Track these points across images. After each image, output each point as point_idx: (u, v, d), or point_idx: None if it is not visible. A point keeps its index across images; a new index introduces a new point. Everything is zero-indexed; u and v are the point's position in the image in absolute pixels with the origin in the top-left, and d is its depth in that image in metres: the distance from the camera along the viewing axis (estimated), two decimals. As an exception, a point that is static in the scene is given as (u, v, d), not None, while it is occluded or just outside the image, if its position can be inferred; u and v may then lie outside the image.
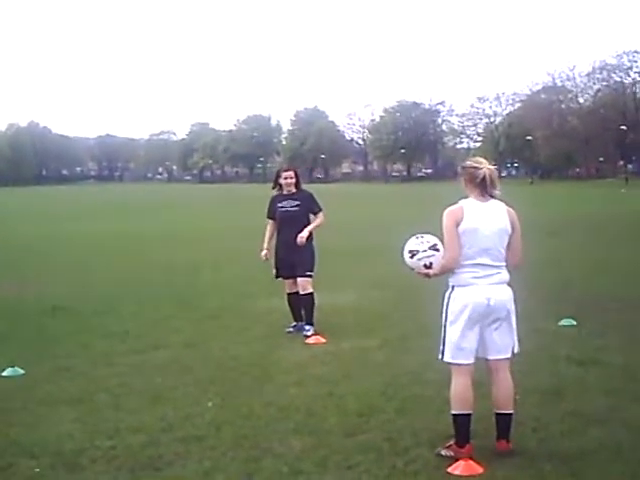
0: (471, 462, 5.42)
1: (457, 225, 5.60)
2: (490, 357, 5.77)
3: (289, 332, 10.33)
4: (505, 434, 5.73)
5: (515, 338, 5.81)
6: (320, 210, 10.45)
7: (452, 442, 5.68)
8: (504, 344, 5.74)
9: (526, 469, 5.38)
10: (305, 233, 10.14)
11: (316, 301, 10.38)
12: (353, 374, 8.17)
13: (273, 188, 10.61)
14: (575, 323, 10.25)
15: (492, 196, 5.73)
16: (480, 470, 5.36)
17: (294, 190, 10.38)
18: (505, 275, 5.73)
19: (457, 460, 5.47)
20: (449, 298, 5.73)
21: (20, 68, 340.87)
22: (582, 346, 8.99)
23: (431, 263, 5.74)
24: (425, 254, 5.74)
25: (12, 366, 8.70)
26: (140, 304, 13.08)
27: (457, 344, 5.64)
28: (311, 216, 10.41)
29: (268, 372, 8.36)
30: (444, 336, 5.71)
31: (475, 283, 5.61)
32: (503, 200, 5.80)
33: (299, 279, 10.23)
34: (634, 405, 6.74)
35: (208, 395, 7.49)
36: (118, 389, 7.86)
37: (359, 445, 5.98)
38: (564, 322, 10.29)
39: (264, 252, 10.50)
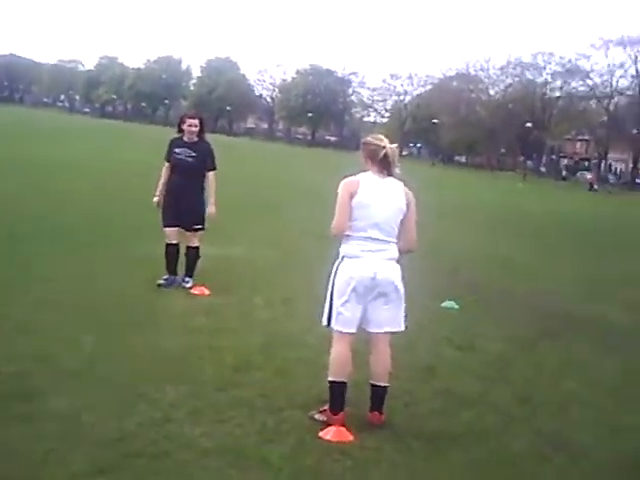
0: (342, 429, 5.50)
1: (351, 197, 5.64)
2: (371, 330, 5.84)
3: (160, 285, 9.88)
4: (378, 406, 5.82)
5: (402, 315, 5.89)
6: (214, 168, 10.08)
7: (326, 407, 5.74)
8: (387, 319, 5.81)
9: (395, 443, 5.47)
10: (212, 208, 9.98)
11: (200, 255, 10.17)
12: (234, 329, 8.18)
13: (177, 132, 10.14)
14: (457, 307, 10.44)
15: (391, 175, 5.78)
16: (350, 438, 5.44)
17: (195, 139, 9.99)
18: (394, 252, 5.79)
19: (329, 425, 5.55)
20: (337, 268, 5.78)
21: None
22: (461, 330, 9.18)
23: None
24: None
25: None
26: (28, 240, 12.62)
27: (340, 313, 5.70)
28: (206, 172, 10.03)
29: (149, 317, 8.29)
30: (330, 304, 5.76)
31: (363, 256, 5.67)
32: (402, 180, 5.85)
33: (189, 233, 9.99)
34: (504, 392, 6.93)
35: (87, 331, 7.38)
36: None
37: (233, 399, 6.00)
38: (446, 304, 10.48)
39: (156, 198, 10.06)
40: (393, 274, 5.76)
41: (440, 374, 7.28)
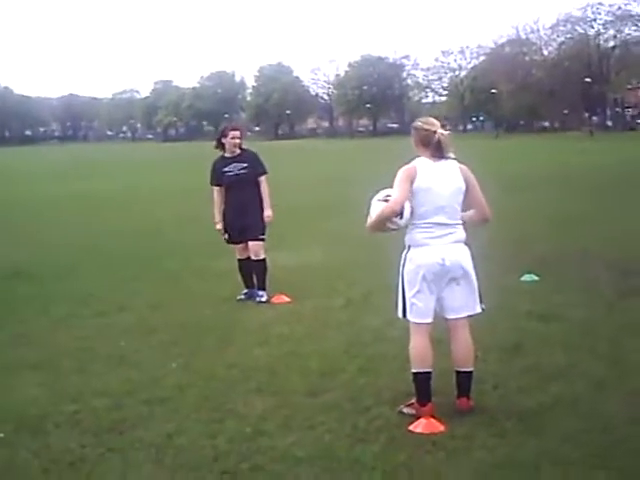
0: (432, 420, 5.47)
1: (411, 182, 5.59)
2: (448, 316, 5.81)
3: (240, 300, 10.02)
4: (466, 392, 5.79)
5: (476, 297, 5.84)
6: (265, 172, 10.02)
7: (413, 400, 5.73)
8: (462, 303, 5.77)
9: (486, 427, 5.43)
10: (268, 211, 9.88)
11: (268, 265, 10.12)
12: (316, 333, 8.23)
13: (216, 148, 10.04)
14: (537, 278, 10.32)
15: (444, 157, 5.73)
16: (441, 428, 5.41)
17: (238, 151, 9.93)
18: (461, 234, 5.74)
19: (418, 418, 5.53)
20: (405, 258, 5.75)
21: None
22: (543, 301, 9.07)
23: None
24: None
25: (-27, 333, 8.67)
26: (102, 267, 13.05)
27: (414, 303, 5.67)
28: (259, 179, 9.99)
29: (231, 333, 8.39)
30: (403, 295, 5.74)
31: (429, 244, 5.62)
32: (456, 158, 5.80)
33: (251, 243, 9.91)
34: (592, 360, 6.82)
35: (172, 357, 7.52)
36: (81, 353, 7.87)
37: (321, 405, 6.03)
38: (526, 277, 10.36)
39: (219, 225, 10.05)
40: (462, 257, 5.72)
41: (526, 350, 7.21)
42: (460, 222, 5.75)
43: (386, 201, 5.63)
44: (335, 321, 8.71)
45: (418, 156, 5.77)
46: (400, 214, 5.60)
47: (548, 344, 7.37)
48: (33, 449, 5.45)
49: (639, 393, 5.97)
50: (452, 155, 5.75)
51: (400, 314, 5.81)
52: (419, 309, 5.67)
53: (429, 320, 5.72)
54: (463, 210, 5.84)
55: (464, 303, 5.78)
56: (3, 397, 6.58)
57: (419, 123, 5.85)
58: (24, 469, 5.15)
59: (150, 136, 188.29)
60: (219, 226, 10.06)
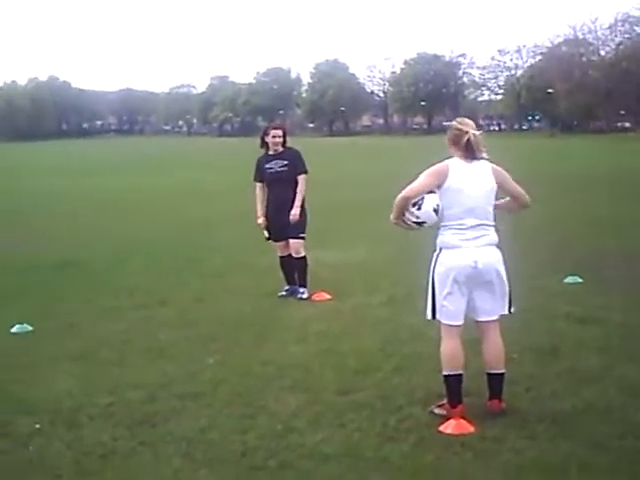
0: (462, 421, 5.46)
1: (439, 182, 5.60)
2: (479, 318, 5.78)
3: (281, 296, 10.10)
4: (497, 394, 5.76)
5: (507, 299, 5.81)
6: (305, 171, 10.06)
7: (445, 401, 5.72)
8: (493, 306, 5.74)
9: (517, 429, 5.40)
10: (296, 210, 9.84)
11: (309, 262, 10.16)
12: (354, 331, 8.24)
13: (261, 147, 10.17)
14: (581, 280, 10.21)
15: (477, 159, 5.71)
16: (471, 429, 5.40)
17: (281, 149, 10.02)
18: (493, 236, 5.71)
19: (449, 419, 5.52)
20: (436, 260, 5.73)
21: (39, 22, 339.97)
22: (584, 304, 8.96)
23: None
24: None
25: (21, 323, 8.83)
26: (149, 260, 13.25)
27: (444, 305, 5.66)
28: (298, 178, 10.02)
29: (270, 329, 8.45)
30: (433, 297, 5.72)
31: (461, 245, 5.60)
32: (488, 159, 5.78)
33: (291, 241, 9.96)
34: (628, 364, 6.74)
35: (209, 352, 7.60)
36: (121, 345, 8.00)
37: (353, 403, 6.04)
38: (569, 279, 10.25)
39: (261, 220, 10.11)
40: (494, 260, 5.68)
41: (562, 352, 7.14)
42: (492, 224, 5.73)
43: (415, 204, 5.65)
44: (374, 319, 8.71)
45: (451, 156, 5.77)
46: (418, 205, 5.60)
47: (585, 347, 7.28)
48: (67, 441, 5.54)
49: (674, 400, 5.89)
50: (485, 156, 5.73)
51: (429, 315, 5.80)
52: (449, 311, 5.66)
53: (460, 322, 5.70)
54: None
55: (495, 306, 5.75)
56: (43, 388, 6.68)
57: (454, 122, 5.87)
58: (57, 460, 5.22)
59: (205, 131, 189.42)
60: (260, 220, 10.12)
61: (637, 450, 5.03)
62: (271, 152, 10.04)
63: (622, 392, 6.06)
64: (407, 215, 5.71)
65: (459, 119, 5.92)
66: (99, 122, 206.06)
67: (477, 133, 5.71)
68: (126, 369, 7.16)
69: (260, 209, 10.15)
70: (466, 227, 5.61)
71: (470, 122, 5.78)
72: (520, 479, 4.69)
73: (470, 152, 5.67)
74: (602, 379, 6.37)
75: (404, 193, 5.63)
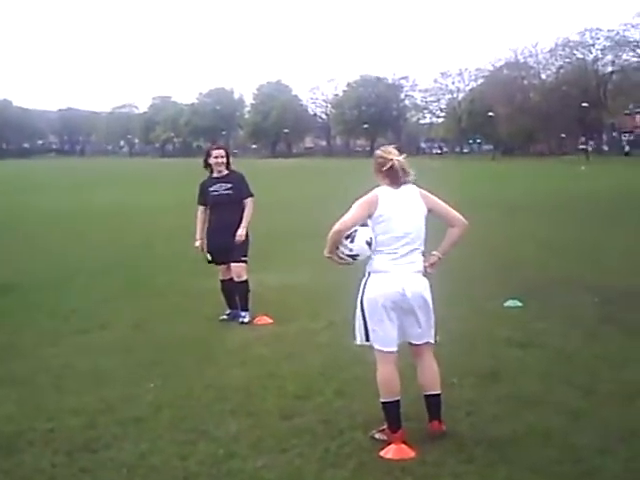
0: (403, 446, 5.49)
1: (370, 213, 5.64)
2: (413, 342, 5.82)
3: (223, 320, 10.04)
4: (436, 415, 5.80)
5: (433, 328, 5.85)
6: (250, 195, 10.05)
7: (385, 426, 5.74)
8: (424, 330, 5.78)
9: (456, 453, 5.45)
10: (242, 231, 9.82)
11: (252, 286, 10.14)
12: (295, 355, 8.24)
13: (205, 168, 10.11)
14: (521, 304, 10.32)
15: (403, 184, 5.77)
16: (412, 454, 5.43)
17: (226, 172, 9.98)
18: (420, 264, 5.76)
19: (390, 444, 5.55)
20: (364, 285, 5.76)
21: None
22: (524, 328, 9.07)
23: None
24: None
25: (-44, 345, 8.70)
26: (88, 282, 13.09)
27: (375, 331, 5.68)
28: (245, 201, 10.00)
29: (211, 353, 8.42)
30: (364, 321, 5.72)
31: (389, 270, 5.64)
32: (415, 183, 5.84)
33: (233, 265, 9.93)
34: (567, 388, 6.82)
35: (150, 376, 7.53)
36: (61, 370, 7.91)
37: (294, 428, 6.05)
38: (510, 303, 10.35)
39: (198, 242, 10.04)
40: (422, 288, 5.73)
41: (502, 377, 7.21)
42: (421, 249, 5.78)
43: (349, 236, 5.69)
44: (315, 343, 8.71)
45: (378, 185, 5.82)
46: (352, 238, 5.64)
47: (525, 372, 7.37)
48: (5, 468, 5.47)
49: (612, 424, 5.98)
50: (411, 179, 5.79)
51: (362, 339, 5.80)
52: (382, 337, 5.67)
53: (393, 349, 5.72)
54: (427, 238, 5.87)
55: (427, 330, 5.80)
56: (-20, 414, 6.57)
57: (378, 152, 5.91)
58: (-6, 488, 5.15)
59: (147, 151, 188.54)
60: (198, 243, 10.05)
61: (574, 475, 5.10)
62: (215, 175, 9.99)
63: (562, 416, 6.13)
64: (341, 248, 5.74)
65: (382, 147, 5.99)
66: (40, 141, 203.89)
67: (401, 159, 5.78)
68: (66, 394, 7.07)
69: (199, 232, 10.09)
70: (397, 253, 5.65)
71: (394, 150, 5.85)
72: (459, 504, 4.72)
73: (396, 178, 5.73)
74: (542, 403, 6.45)
75: (337, 227, 5.66)
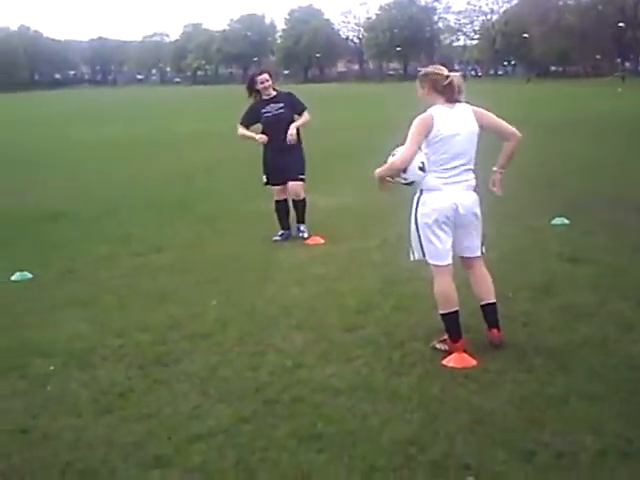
0: (464, 355, 5.67)
1: (426, 133, 5.68)
2: (465, 255, 5.99)
3: (276, 241, 10.23)
4: (494, 323, 5.96)
5: (481, 241, 6.01)
6: (305, 108, 10.20)
7: (446, 336, 5.92)
8: (475, 244, 5.95)
9: (517, 362, 5.62)
10: (292, 130, 9.91)
11: (308, 204, 10.42)
12: (352, 273, 8.44)
13: (249, 97, 10.17)
14: (567, 222, 10.44)
15: (458, 101, 5.83)
16: (473, 362, 5.61)
17: (273, 93, 10.07)
18: (473, 181, 5.85)
19: (451, 354, 5.74)
20: (417, 202, 5.85)
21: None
22: (573, 244, 9.21)
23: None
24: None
25: (20, 270, 8.96)
26: (138, 209, 13.31)
27: (432, 246, 5.80)
28: (296, 116, 10.17)
29: (268, 271, 8.64)
30: (419, 238, 5.84)
31: (442, 189, 5.73)
32: (468, 101, 5.90)
33: (291, 183, 10.09)
34: (620, 300, 6.97)
35: (212, 294, 7.76)
36: (123, 290, 8.15)
37: (358, 339, 6.26)
38: (557, 221, 10.48)
39: (259, 136, 10.07)
40: (474, 204, 5.85)
41: (555, 290, 7.38)
42: (472, 168, 5.86)
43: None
44: (370, 261, 8.92)
45: (431, 104, 5.84)
46: (404, 170, 5.76)
47: (577, 285, 7.53)
48: (82, 381, 5.70)
49: (665, 333, 6.14)
50: (464, 97, 5.86)
51: (418, 255, 5.93)
52: (437, 251, 5.81)
53: (448, 262, 5.86)
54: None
55: (477, 244, 5.97)
56: (51, 332, 6.83)
57: (429, 69, 5.94)
58: (75, 399, 5.38)
59: (178, 80, 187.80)
60: (259, 136, 10.11)
61: (631, 380, 5.26)
62: (265, 97, 10.10)
63: (616, 327, 6.29)
64: (396, 179, 5.85)
65: (433, 66, 6.01)
66: (72, 72, 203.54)
67: (458, 75, 5.85)
68: (131, 313, 7.32)
69: (251, 134, 10.23)
70: (449, 171, 5.74)
71: (444, 67, 5.89)
72: (524, 408, 4.89)
73: (452, 95, 5.78)
74: (596, 315, 6.61)
75: (398, 163, 5.72)
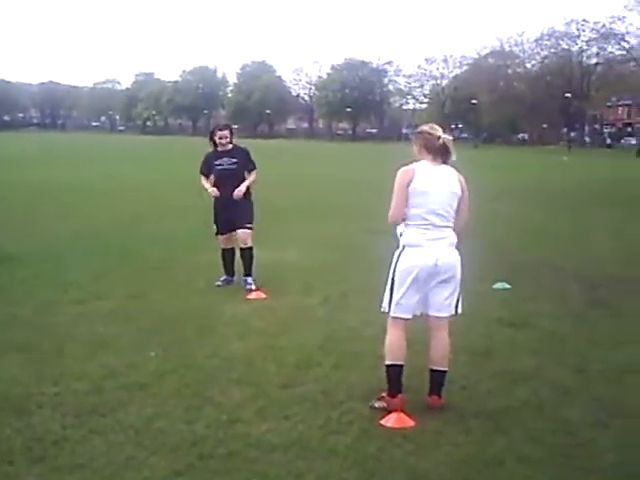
0: (402, 415, 5.69)
1: (407, 185, 5.79)
2: (432, 314, 6.02)
3: (218, 286, 10.50)
4: (437, 390, 6.01)
5: (458, 299, 6.08)
6: (254, 168, 10.56)
7: (384, 394, 5.95)
8: (446, 303, 5.99)
9: (454, 424, 5.66)
10: (242, 187, 10.22)
11: (255, 255, 10.53)
12: (292, 329, 8.42)
13: (213, 145, 10.52)
14: (509, 287, 10.58)
15: (445, 163, 5.95)
16: (411, 423, 5.63)
17: (229, 146, 10.40)
18: (453, 238, 5.95)
19: (389, 413, 5.74)
20: (398, 257, 5.93)
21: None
22: (514, 309, 9.34)
23: None
24: None
25: (-40, 311, 8.79)
26: (84, 255, 13.15)
27: (399, 300, 5.88)
28: (245, 173, 10.47)
29: (210, 324, 8.57)
30: (391, 292, 5.93)
31: (424, 244, 5.82)
32: (453, 166, 6.01)
33: (240, 231, 10.32)
34: (558, 366, 7.09)
35: (151, 344, 7.68)
36: (62, 337, 8.00)
37: (296, 396, 6.23)
38: (498, 285, 10.62)
39: (211, 189, 10.34)
40: (454, 260, 5.94)
41: (495, 354, 7.46)
42: (452, 226, 5.95)
43: None
44: (311, 318, 8.91)
45: (418, 160, 5.96)
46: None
47: (517, 350, 7.63)
48: (17, 427, 5.59)
49: (601, 400, 6.22)
50: (454, 158, 5.98)
51: (385, 308, 6.01)
52: (403, 307, 5.89)
53: (409, 316, 5.95)
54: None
55: (448, 304, 6.01)
56: (-13, 377, 6.71)
57: (425, 128, 6.07)
58: (9, 446, 5.28)
59: (121, 128, 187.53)
60: (212, 190, 10.38)
61: (567, 445, 5.33)
62: (220, 149, 10.39)
63: (553, 392, 6.39)
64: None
65: (427, 125, 6.13)
66: (20, 115, 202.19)
67: (449, 137, 5.96)
68: (69, 360, 7.19)
69: (209, 183, 10.46)
70: (430, 227, 5.83)
71: (439, 127, 6.01)
72: (461, 470, 4.92)
73: (441, 156, 5.91)
74: (534, 380, 6.70)
75: (390, 221, 5.95)
